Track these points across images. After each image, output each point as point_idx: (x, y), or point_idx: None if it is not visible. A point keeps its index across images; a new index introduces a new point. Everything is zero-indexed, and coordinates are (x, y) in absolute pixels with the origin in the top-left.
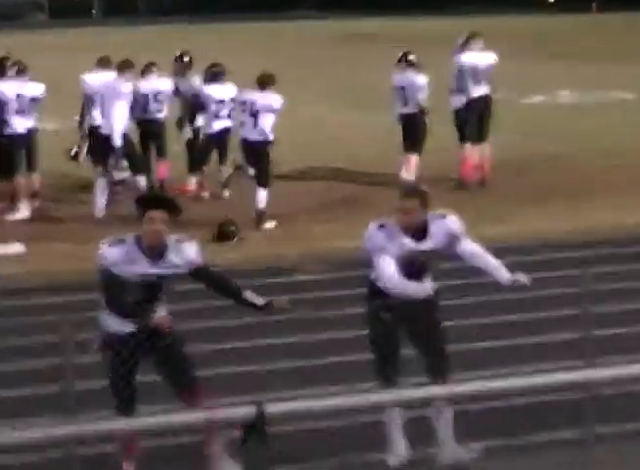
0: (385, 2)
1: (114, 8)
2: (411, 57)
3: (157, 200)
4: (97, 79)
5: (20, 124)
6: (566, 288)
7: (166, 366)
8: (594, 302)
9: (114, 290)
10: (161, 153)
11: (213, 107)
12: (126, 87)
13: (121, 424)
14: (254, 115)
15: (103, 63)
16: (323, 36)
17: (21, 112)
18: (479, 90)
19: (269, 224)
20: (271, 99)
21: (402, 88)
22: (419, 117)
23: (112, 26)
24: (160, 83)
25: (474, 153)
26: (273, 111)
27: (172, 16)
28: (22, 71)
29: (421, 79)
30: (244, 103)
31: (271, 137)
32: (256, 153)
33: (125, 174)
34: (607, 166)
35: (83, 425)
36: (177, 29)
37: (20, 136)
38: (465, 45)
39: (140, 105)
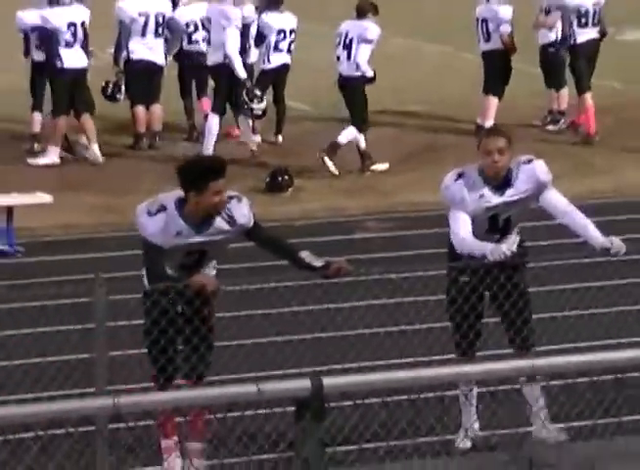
0: None
1: None
2: None
3: (220, 168)
4: (137, 5)
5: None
6: None
7: (190, 346)
8: None
9: (154, 261)
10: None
11: (272, 38)
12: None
13: (165, 396)
14: (348, 46)
15: None
16: None
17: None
18: (586, 34)
19: (380, 166)
20: (366, 28)
21: (484, 21)
22: (501, 54)
23: None
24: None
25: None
26: (368, 41)
27: None
28: None
29: (504, 11)
30: (339, 34)
31: (368, 73)
32: (350, 89)
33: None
34: None
35: (118, 398)
36: None
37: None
38: None
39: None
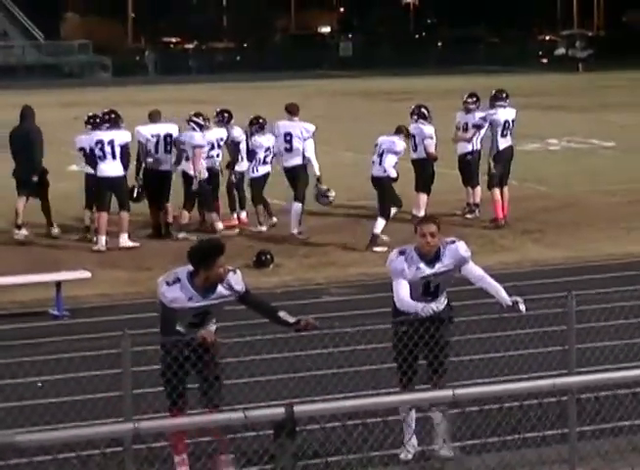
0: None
1: (168, 67)
2: (422, 109)
3: (221, 248)
4: (150, 129)
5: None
6: (554, 308)
7: (200, 380)
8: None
9: (169, 321)
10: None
11: (261, 154)
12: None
13: (171, 422)
14: (380, 154)
15: (153, 117)
16: (343, 92)
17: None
18: (505, 142)
19: (380, 248)
20: (395, 142)
21: (413, 136)
22: (425, 161)
23: (166, 84)
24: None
25: (498, 195)
26: (396, 153)
27: (219, 73)
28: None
29: (427, 129)
30: (376, 145)
31: (393, 174)
32: (379, 187)
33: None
34: (597, 203)
35: (138, 423)
36: (222, 86)
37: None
38: (494, 100)
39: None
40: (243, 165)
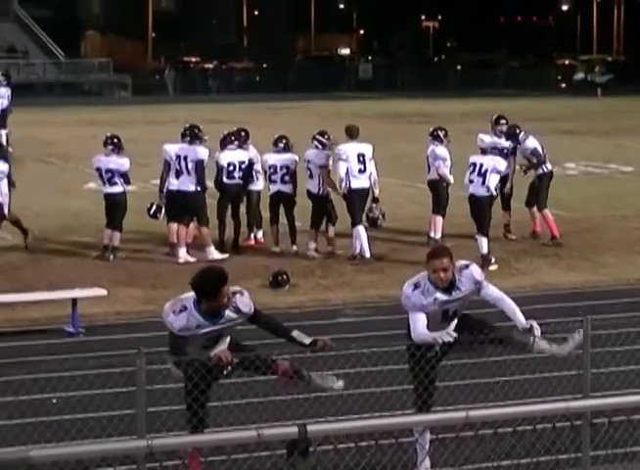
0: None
1: (188, 87)
2: (439, 132)
3: (225, 277)
4: (175, 150)
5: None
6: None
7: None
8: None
9: (178, 349)
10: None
11: (279, 172)
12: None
13: (186, 439)
14: (483, 174)
15: (183, 135)
16: (362, 114)
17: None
18: (545, 168)
19: (493, 266)
20: (499, 163)
21: (427, 158)
22: (439, 183)
23: (186, 103)
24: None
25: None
26: (498, 172)
27: (238, 94)
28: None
29: (440, 151)
30: (473, 164)
31: (494, 193)
32: (480, 205)
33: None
34: (615, 228)
35: (152, 440)
36: (241, 106)
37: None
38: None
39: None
40: (259, 185)
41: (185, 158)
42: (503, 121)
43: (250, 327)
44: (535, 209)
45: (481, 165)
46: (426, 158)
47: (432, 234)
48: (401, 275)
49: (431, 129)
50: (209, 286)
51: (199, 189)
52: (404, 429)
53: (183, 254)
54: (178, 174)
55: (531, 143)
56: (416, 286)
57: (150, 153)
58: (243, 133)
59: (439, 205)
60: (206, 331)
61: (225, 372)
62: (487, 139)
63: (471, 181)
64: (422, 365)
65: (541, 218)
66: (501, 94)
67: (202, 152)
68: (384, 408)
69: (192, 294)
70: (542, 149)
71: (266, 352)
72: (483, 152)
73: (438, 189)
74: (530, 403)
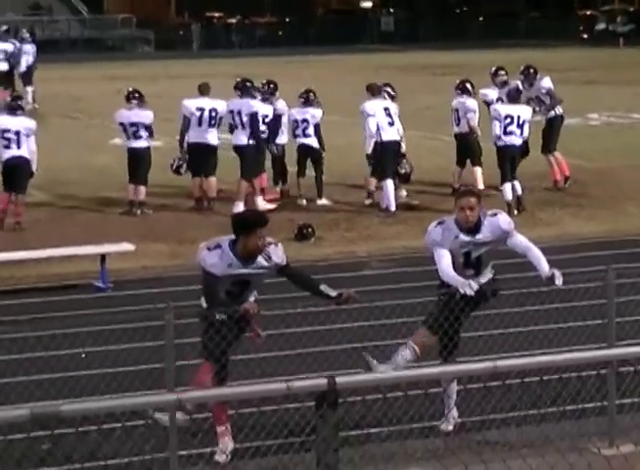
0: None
1: (211, 42)
2: (467, 84)
3: (263, 220)
4: (195, 102)
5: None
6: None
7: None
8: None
9: (211, 287)
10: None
11: (300, 126)
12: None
13: (214, 392)
14: (521, 125)
15: (202, 90)
16: (385, 66)
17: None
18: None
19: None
20: (527, 111)
21: (456, 110)
22: (469, 135)
23: (209, 58)
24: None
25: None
26: (529, 121)
27: (261, 48)
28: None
29: (471, 103)
30: (510, 116)
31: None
32: (516, 155)
33: None
34: (636, 178)
35: (181, 394)
36: (265, 60)
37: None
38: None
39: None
40: (284, 138)
41: (239, 112)
42: (502, 72)
43: (276, 281)
44: (551, 155)
45: (519, 117)
46: (452, 110)
47: (455, 184)
48: (425, 227)
49: (457, 82)
50: (248, 223)
51: (251, 142)
52: (431, 380)
53: (261, 203)
54: (234, 128)
55: (546, 83)
56: (439, 223)
57: (174, 108)
58: (272, 85)
59: (475, 156)
60: (236, 273)
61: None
62: (490, 92)
63: (510, 133)
64: (446, 314)
65: (555, 162)
66: (522, 44)
67: (255, 105)
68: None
69: (229, 237)
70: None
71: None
72: (488, 104)
73: (470, 141)
74: (557, 353)
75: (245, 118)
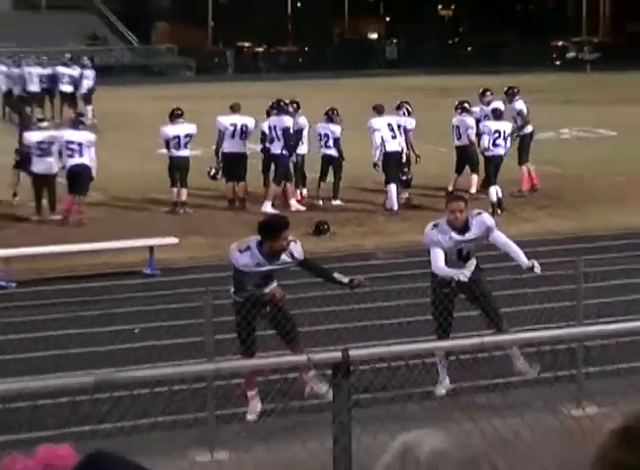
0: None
1: (242, 67)
2: (465, 105)
3: (286, 224)
4: (229, 119)
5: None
6: (566, 270)
7: (278, 325)
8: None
9: (241, 280)
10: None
11: (322, 139)
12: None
13: (248, 363)
14: (506, 138)
15: (233, 108)
16: (389, 88)
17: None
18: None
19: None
20: (508, 126)
21: (457, 127)
22: (469, 147)
23: (241, 81)
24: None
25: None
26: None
27: (284, 73)
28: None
29: (470, 121)
30: (498, 131)
31: None
32: (500, 163)
33: None
34: (602, 183)
35: (219, 364)
36: (287, 83)
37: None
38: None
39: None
40: (303, 149)
41: (275, 127)
42: (488, 93)
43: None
44: (524, 167)
45: (504, 132)
46: (453, 127)
47: (450, 188)
48: (426, 224)
49: (457, 103)
50: (273, 228)
51: (285, 152)
52: (428, 353)
53: (295, 205)
54: (272, 141)
55: (519, 105)
56: (435, 225)
57: (210, 123)
58: (294, 104)
59: (473, 164)
60: (264, 269)
61: (269, 308)
62: (477, 110)
63: (497, 145)
64: (441, 299)
65: (527, 172)
66: (506, 71)
67: (287, 121)
68: (411, 335)
69: (255, 237)
70: (527, 112)
71: None
72: (477, 120)
73: (470, 153)
74: (534, 330)
75: (279, 132)
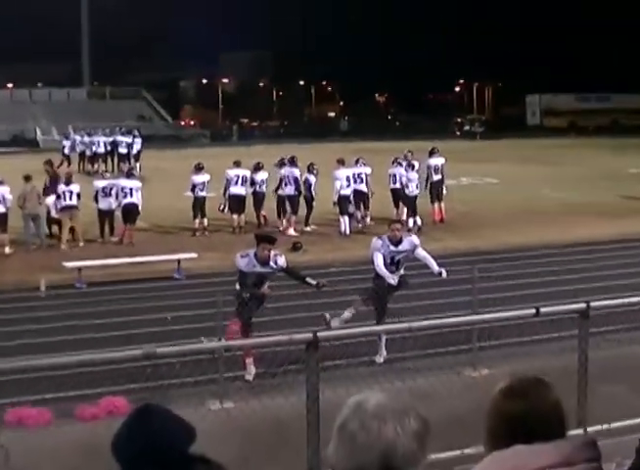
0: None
1: (243, 136)
2: (399, 159)
3: (268, 238)
4: (234, 171)
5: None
6: (466, 274)
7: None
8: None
9: (242, 279)
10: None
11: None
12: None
13: (246, 341)
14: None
15: (236, 164)
16: (342, 150)
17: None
18: (437, 177)
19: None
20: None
21: (394, 175)
22: (402, 190)
23: (242, 146)
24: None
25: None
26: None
27: (271, 139)
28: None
29: (402, 171)
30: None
31: None
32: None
33: None
34: (491, 214)
35: (227, 342)
36: (274, 147)
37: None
38: (430, 155)
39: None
40: (287, 190)
41: (288, 176)
42: (409, 153)
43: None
44: (436, 204)
45: (418, 179)
46: (390, 175)
47: (403, 217)
48: (368, 244)
49: (393, 158)
50: (259, 239)
51: (296, 193)
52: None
53: (291, 231)
54: (286, 185)
55: (432, 162)
56: (379, 237)
57: (221, 175)
58: (289, 158)
59: (405, 201)
60: (257, 271)
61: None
62: (404, 164)
63: (415, 188)
64: (376, 290)
65: (438, 209)
66: (422, 138)
67: (296, 172)
68: (359, 321)
69: (253, 249)
70: (435, 167)
71: None
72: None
73: (401, 193)
74: (444, 317)
75: (292, 179)
